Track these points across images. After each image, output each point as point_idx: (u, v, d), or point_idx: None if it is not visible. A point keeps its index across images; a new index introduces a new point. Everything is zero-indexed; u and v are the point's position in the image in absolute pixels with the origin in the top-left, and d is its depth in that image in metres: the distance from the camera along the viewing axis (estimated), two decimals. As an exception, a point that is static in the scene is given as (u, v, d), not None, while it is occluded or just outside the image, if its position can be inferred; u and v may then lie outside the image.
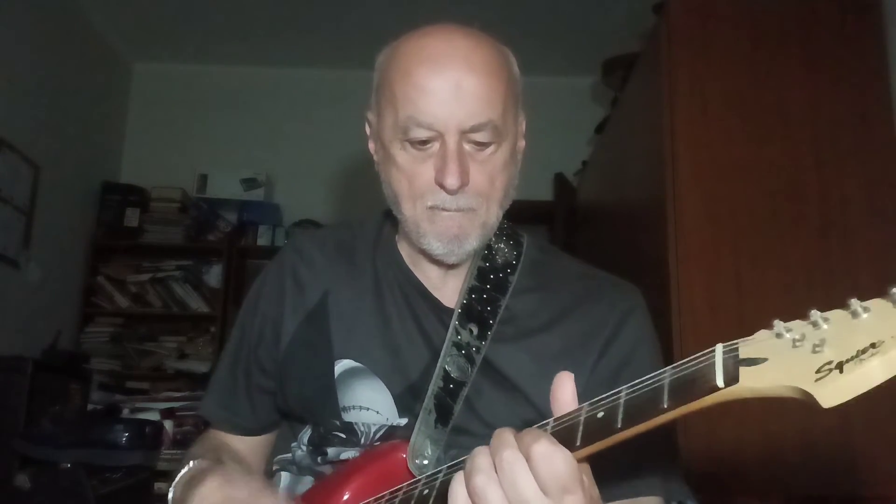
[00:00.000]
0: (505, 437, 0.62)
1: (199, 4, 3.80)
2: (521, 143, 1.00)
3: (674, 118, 2.03)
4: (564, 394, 0.66)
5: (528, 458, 0.60)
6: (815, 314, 0.54)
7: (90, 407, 3.11)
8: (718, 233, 1.96)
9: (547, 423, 0.65)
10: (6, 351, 2.89)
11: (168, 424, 3.00)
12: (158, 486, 2.50)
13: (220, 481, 0.83)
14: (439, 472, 0.74)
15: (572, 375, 0.67)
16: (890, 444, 1.76)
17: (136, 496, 2.32)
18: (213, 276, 4.07)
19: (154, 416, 3.00)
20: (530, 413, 0.93)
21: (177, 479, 0.91)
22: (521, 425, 0.91)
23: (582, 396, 0.94)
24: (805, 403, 0.50)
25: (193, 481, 0.85)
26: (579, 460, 0.62)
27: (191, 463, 0.92)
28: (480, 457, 0.62)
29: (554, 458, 0.59)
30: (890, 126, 2.01)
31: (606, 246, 2.78)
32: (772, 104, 2.03)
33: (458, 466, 0.71)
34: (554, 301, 1.01)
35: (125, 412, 3.17)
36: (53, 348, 3.40)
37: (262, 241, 4.07)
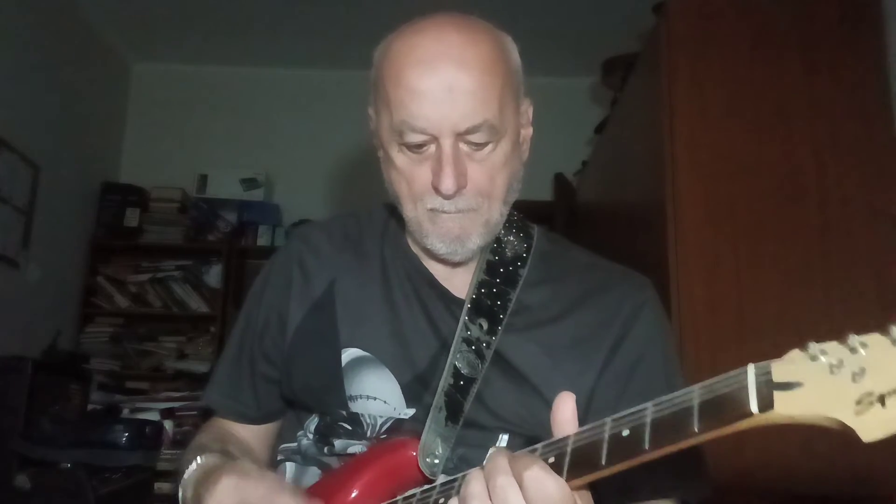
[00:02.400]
0: (499, 462, 0.63)
1: (199, 4, 3.80)
2: (528, 132, 0.98)
3: (674, 118, 2.03)
4: (564, 413, 0.66)
5: (520, 484, 0.61)
6: (853, 338, 0.52)
7: (90, 407, 3.10)
8: (718, 233, 1.96)
9: (568, 438, 0.65)
10: (6, 351, 2.89)
11: (168, 424, 2.99)
12: (158, 486, 2.50)
13: (235, 480, 0.80)
14: (433, 489, 0.75)
15: (573, 396, 0.67)
16: (890, 444, 1.76)
17: (136, 496, 2.32)
18: (213, 276, 4.07)
19: (154, 417, 2.99)
20: (539, 404, 0.92)
21: (186, 475, 0.89)
22: (528, 417, 0.91)
23: (594, 391, 0.94)
24: (842, 433, 0.49)
25: (206, 480, 0.83)
26: (579, 488, 0.63)
27: (199, 458, 0.90)
28: (475, 482, 0.64)
29: (545, 484, 0.60)
30: (890, 126, 2.01)
31: (606, 246, 2.77)
32: (771, 104, 2.03)
33: (451, 485, 0.72)
34: (564, 292, 1.00)
35: (125, 412, 3.17)
36: (53, 348, 3.40)
37: (262, 241, 4.07)
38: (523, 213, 1.09)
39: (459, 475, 0.74)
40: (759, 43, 2.07)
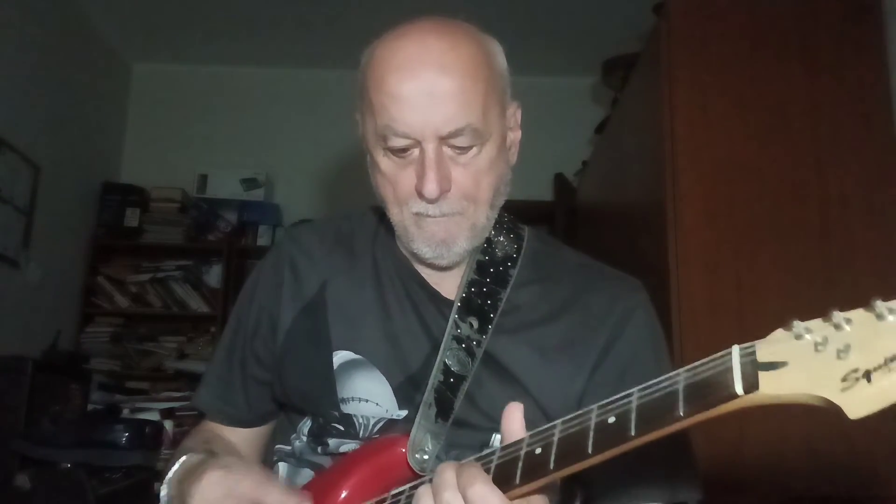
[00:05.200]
0: (446, 476, 0.65)
1: (199, 4, 3.80)
2: (516, 135, 0.98)
3: (674, 118, 2.03)
4: (513, 423, 0.68)
5: (464, 499, 0.62)
6: (837, 315, 0.51)
7: (90, 407, 3.10)
8: (718, 233, 1.96)
9: (555, 425, 0.65)
10: (6, 351, 2.89)
11: (168, 424, 2.99)
12: (158, 485, 2.50)
13: (220, 473, 0.80)
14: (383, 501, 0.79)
15: (521, 406, 0.69)
16: (890, 444, 1.76)
17: (136, 496, 2.32)
18: (213, 276, 4.07)
19: (154, 416, 2.99)
20: (529, 405, 0.92)
21: (169, 474, 0.90)
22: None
23: (584, 394, 0.94)
24: (828, 411, 0.49)
25: (190, 476, 0.84)
26: (529, 493, 0.64)
27: (182, 458, 0.90)
28: (424, 499, 0.66)
29: (488, 499, 0.62)
30: (890, 126, 2.01)
31: (606, 246, 2.78)
32: (772, 104, 2.03)
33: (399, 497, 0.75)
34: (555, 292, 1.00)
35: (125, 412, 3.17)
36: (53, 348, 3.40)
37: (262, 241, 4.07)
38: (524, 213, 1.09)
39: (407, 486, 0.77)
40: (759, 43, 2.07)
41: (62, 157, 3.70)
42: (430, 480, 0.68)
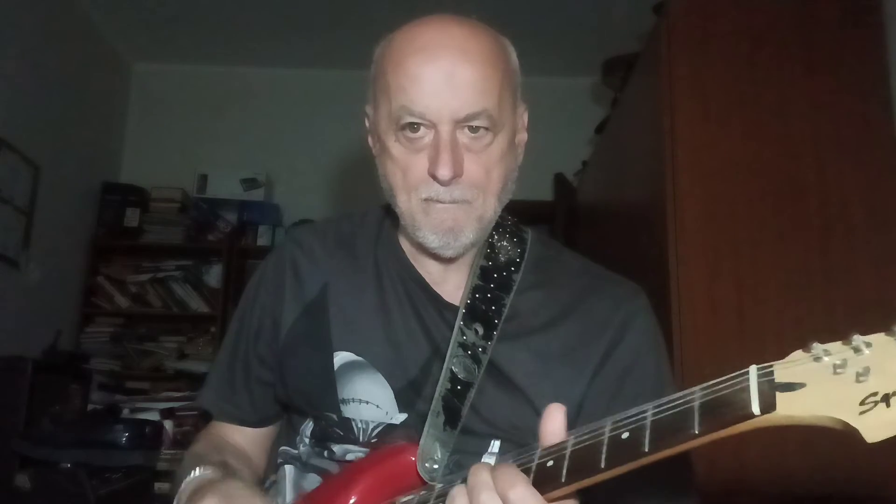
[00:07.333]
0: (482, 476, 0.63)
1: (199, 4, 3.80)
2: (522, 136, 0.98)
3: (674, 118, 2.03)
4: (554, 425, 0.67)
5: (504, 501, 0.61)
6: (856, 339, 0.51)
7: (90, 407, 3.10)
8: (718, 233, 1.96)
9: (566, 442, 0.65)
10: (6, 351, 2.89)
11: (168, 424, 2.98)
12: (158, 486, 2.50)
13: (216, 501, 0.79)
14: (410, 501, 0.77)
15: (563, 408, 0.67)
16: (890, 444, 1.76)
17: (136, 496, 2.32)
18: (213, 276, 4.07)
19: (154, 417, 2.99)
20: (529, 413, 0.92)
21: (182, 486, 0.89)
22: (520, 425, 0.91)
23: (584, 400, 0.94)
24: (845, 434, 0.48)
25: (194, 495, 0.83)
26: (568, 496, 0.63)
27: (196, 470, 0.89)
28: (459, 498, 0.64)
29: (529, 502, 0.60)
30: (890, 126, 2.01)
31: (606, 246, 2.78)
32: (772, 104, 2.03)
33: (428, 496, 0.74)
34: (556, 298, 0.99)
35: (125, 412, 3.17)
36: (53, 348, 3.39)
37: (262, 241, 4.07)
38: (524, 213, 1.09)
39: (415, 495, 0.76)
40: (760, 43, 2.07)
41: (62, 157, 3.70)
42: (464, 481, 0.67)
